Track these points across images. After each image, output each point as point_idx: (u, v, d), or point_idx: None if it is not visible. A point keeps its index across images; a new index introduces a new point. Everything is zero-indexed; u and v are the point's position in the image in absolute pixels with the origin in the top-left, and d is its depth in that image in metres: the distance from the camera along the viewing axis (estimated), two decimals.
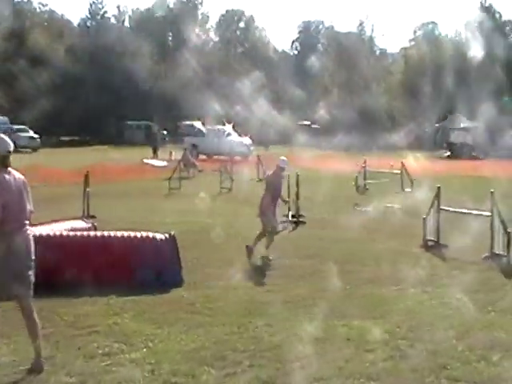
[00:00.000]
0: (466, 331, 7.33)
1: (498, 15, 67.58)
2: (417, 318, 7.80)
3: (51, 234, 9.49)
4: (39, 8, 75.69)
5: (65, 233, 9.81)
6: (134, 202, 19.14)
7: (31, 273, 6.19)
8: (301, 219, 14.98)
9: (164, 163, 34.60)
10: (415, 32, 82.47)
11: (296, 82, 67.64)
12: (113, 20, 78.89)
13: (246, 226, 14.68)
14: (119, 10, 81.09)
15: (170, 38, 75.76)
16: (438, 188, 12.08)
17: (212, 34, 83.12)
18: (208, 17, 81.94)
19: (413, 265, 10.62)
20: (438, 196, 12.09)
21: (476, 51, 52.10)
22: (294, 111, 51.62)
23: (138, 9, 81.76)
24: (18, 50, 62.52)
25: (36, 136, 51.68)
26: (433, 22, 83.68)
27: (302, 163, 26.07)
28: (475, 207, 12.55)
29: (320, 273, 10.23)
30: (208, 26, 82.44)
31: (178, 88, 61.91)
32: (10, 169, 6.17)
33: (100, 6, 76.73)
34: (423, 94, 59.91)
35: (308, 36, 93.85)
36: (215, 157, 40.01)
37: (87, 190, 16.02)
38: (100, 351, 6.69)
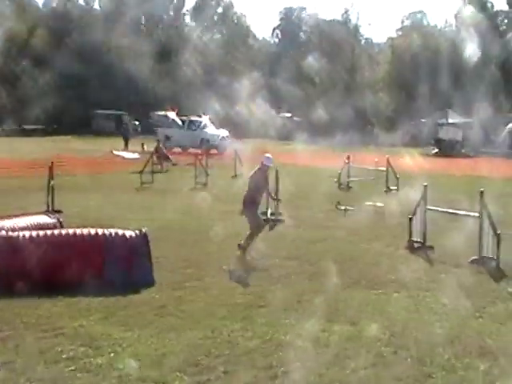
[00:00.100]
0: (453, 338, 7.40)
1: (489, 5, 68.16)
2: (401, 324, 7.85)
3: (12, 229, 9.39)
4: None
5: (27, 229, 9.72)
6: (103, 197, 19.00)
7: None
8: (279, 218, 14.99)
9: (135, 155, 34.47)
10: (403, 21, 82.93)
11: (276, 72, 67.65)
12: (81, 1, 78.14)
13: (222, 223, 14.70)
14: None
15: (143, 22, 75.25)
16: (425, 187, 12.15)
17: (188, 19, 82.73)
18: (184, 0, 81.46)
19: (397, 267, 10.70)
20: (424, 195, 12.16)
21: (467, 42, 52.53)
22: (273, 103, 51.61)
23: None
24: None
25: None
26: (421, 11, 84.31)
27: (281, 158, 26.10)
28: (464, 207, 12.66)
29: (298, 275, 10.26)
30: (184, 10, 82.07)
31: (151, 75, 61.63)
32: None
33: None
34: (411, 87, 60.32)
35: (290, 23, 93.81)
36: (190, 150, 39.90)
37: (51, 182, 15.87)
38: (64, 356, 6.64)
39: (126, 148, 40.97)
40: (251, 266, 10.88)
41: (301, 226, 14.53)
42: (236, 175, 26.32)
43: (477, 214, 11.09)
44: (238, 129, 44.78)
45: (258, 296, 8.97)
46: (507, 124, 44.62)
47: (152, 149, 29.28)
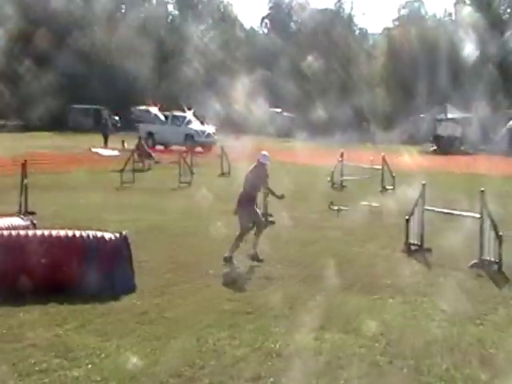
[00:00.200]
0: (452, 347, 7.40)
1: None
2: (397, 331, 7.85)
3: None
4: None
5: None
6: (81, 197, 18.90)
7: None
8: (269, 219, 14.97)
9: (115, 153, 34.37)
10: (399, 11, 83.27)
11: (265, 64, 67.67)
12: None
13: (208, 224, 14.66)
14: None
15: (123, 11, 75.06)
16: (423, 186, 12.17)
17: (170, 8, 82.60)
18: None
19: (393, 271, 10.72)
20: (422, 195, 12.18)
21: (467, 32, 52.72)
22: (263, 97, 51.58)
23: None
24: None
25: None
26: (419, 0, 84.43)
27: (271, 156, 26.08)
28: (463, 207, 12.69)
29: (289, 279, 10.24)
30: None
31: (132, 68, 61.35)
32: None
33: None
34: (408, 81, 60.47)
35: (279, 12, 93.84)
36: (173, 147, 39.83)
37: (25, 181, 15.77)
38: (37, 368, 6.58)
39: (105, 145, 40.86)
40: (239, 269, 10.84)
41: (293, 227, 14.52)
42: (223, 173, 26.34)
43: (477, 215, 11.11)
44: (224, 124, 44.72)
45: (246, 302, 8.94)
46: (508, 121, 44.82)
47: (133, 146, 29.18)
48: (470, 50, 50.68)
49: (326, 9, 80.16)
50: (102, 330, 7.70)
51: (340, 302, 9.06)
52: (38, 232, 9.64)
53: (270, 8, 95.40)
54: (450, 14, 75.38)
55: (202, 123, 42.71)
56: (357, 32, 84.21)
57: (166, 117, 43.84)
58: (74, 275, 9.02)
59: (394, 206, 15.56)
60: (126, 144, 36.86)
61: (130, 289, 9.25)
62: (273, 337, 7.56)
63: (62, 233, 9.39)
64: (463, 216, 12.21)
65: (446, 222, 13.26)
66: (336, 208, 16.62)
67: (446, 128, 47.03)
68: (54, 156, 30.64)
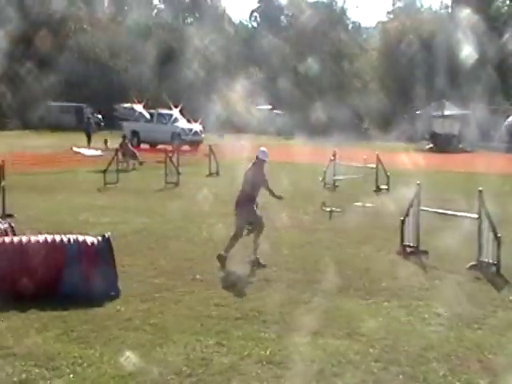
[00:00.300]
0: (449, 352, 7.42)
1: None
2: (392, 337, 7.87)
3: None
4: None
5: None
6: (62, 199, 18.89)
7: None
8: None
9: (98, 152, 34.29)
10: (394, 3, 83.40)
11: (255, 60, 67.70)
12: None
13: (195, 226, 14.68)
14: None
15: (106, 5, 74.92)
16: (418, 185, 12.20)
17: (156, 1, 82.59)
18: None
19: (388, 274, 10.75)
20: (417, 194, 12.21)
21: (463, 27, 52.89)
22: (252, 93, 51.66)
23: None
24: None
25: None
26: None
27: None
28: (461, 208, 12.73)
29: (280, 283, 10.25)
30: None
31: (115, 64, 61.24)
32: None
33: None
34: (403, 76, 60.64)
35: (269, 5, 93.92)
36: (159, 146, 39.77)
37: (2, 183, 15.73)
38: (15, 378, 6.56)
39: (89, 144, 40.79)
40: (228, 273, 10.84)
41: (283, 228, 14.53)
42: (211, 174, 26.34)
43: (475, 215, 11.15)
44: (214, 122, 44.73)
45: (234, 307, 8.95)
46: (507, 117, 45.02)
47: (116, 145, 29.11)
48: (466, 44, 50.83)
49: (318, 1, 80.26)
50: (84, 338, 7.69)
51: (333, 306, 9.07)
52: (17, 238, 9.61)
53: (260, 1, 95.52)
54: (447, 7, 75.60)
55: (189, 121, 42.66)
56: (350, 26, 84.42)
57: (152, 115, 43.76)
58: (55, 281, 9.00)
59: (389, 207, 15.60)
60: (108, 143, 36.80)
61: (114, 294, 9.24)
62: (263, 343, 7.57)
63: (42, 237, 9.37)
64: (460, 216, 12.25)
65: (442, 223, 13.31)
66: (328, 209, 16.63)
67: (442, 125, 47.12)
68: (33, 156, 30.53)
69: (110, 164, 23.42)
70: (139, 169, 28.67)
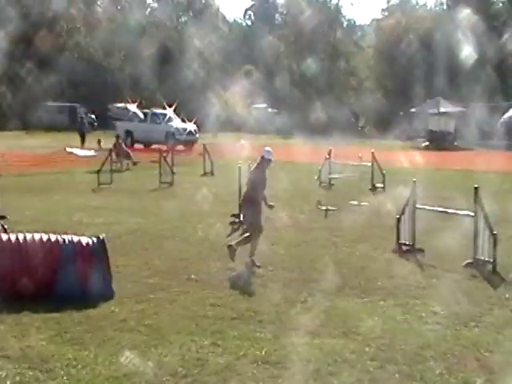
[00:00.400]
0: (446, 350, 7.43)
1: None
2: (388, 336, 7.88)
3: None
4: None
5: None
6: (56, 200, 18.86)
7: None
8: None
9: (91, 153, 34.27)
10: (389, 1, 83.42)
11: (250, 58, 67.68)
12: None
13: (190, 226, 14.68)
14: None
15: (100, 4, 74.87)
16: (414, 183, 12.22)
17: (150, 0, 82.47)
18: None
19: (384, 273, 10.77)
20: (413, 192, 12.23)
21: (459, 23, 52.93)
22: (247, 92, 51.69)
23: None
24: None
25: None
26: None
27: (256, 153, 26.16)
28: (457, 205, 12.75)
29: (276, 282, 10.24)
30: None
31: (109, 64, 61.12)
32: None
33: None
34: (398, 73, 60.70)
35: (263, 4, 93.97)
36: (153, 146, 39.76)
37: None
38: (9, 381, 6.54)
39: (83, 144, 40.77)
40: (223, 273, 10.84)
41: (279, 228, 14.55)
42: (205, 173, 26.33)
43: (471, 213, 11.17)
44: (209, 121, 44.71)
45: (230, 307, 8.94)
46: (502, 114, 45.07)
47: (110, 145, 29.09)
48: (463, 42, 50.89)
49: None
50: (78, 339, 7.67)
51: (329, 305, 9.07)
52: (11, 236, 9.58)
53: None
54: (442, 4, 75.73)
55: (184, 120, 42.66)
56: (345, 23, 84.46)
57: (146, 114, 43.76)
58: (49, 282, 8.99)
59: (385, 205, 15.62)
60: (102, 143, 36.80)
61: (108, 295, 9.22)
62: (258, 343, 7.57)
63: (37, 237, 9.34)
64: (456, 214, 12.27)
65: (438, 221, 13.33)
66: (324, 208, 16.64)
67: (438, 123, 47.21)
68: (27, 156, 30.48)
69: (103, 164, 23.38)
70: (133, 169, 28.65)
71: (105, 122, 50.77)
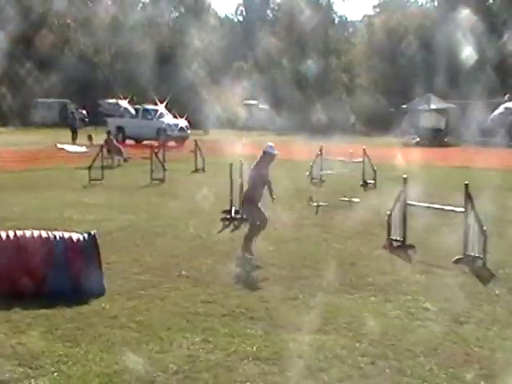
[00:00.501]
0: (436, 346, 7.47)
1: None
2: (378, 332, 7.89)
3: None
4: None
5: None
6: (47, 196, 18.82)
7: None
8: (245, 216, 14.98)
9: (82, 149, 34.19)
10: None
11: (240, 54, 67.57)
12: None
13: (181, 223, 14.67)
14: None
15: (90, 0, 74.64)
16: (405, 179, 12.24)
17: None
18: None
19: (374, 269, 10.79)
20: (404, 189, 12.25)
21: (451, 20, 53.00)
22: (238, 88, 51.62)
23: None
24: None
25: None
26: None
27: (247, 149, 26.13)
28: (448, 202, 12.78)
29: (266, 279, 10.27)
30: None
31: (99, 60, 60.88)
32: None
33: None
34: (389, 70, 60.74)
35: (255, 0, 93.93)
36: (145, 142, 39.72)
37: None
38: None
39: (75, 140, 40.70)
40: (214, 269, 10.84)
41: (270, 224, 14.54)
42: (197, 170, 26.32)
43: (461, 209, 11.21)
44: (200, 117, 44.64)
45: (220, 304, 8.95)
46: (493, 111, 45.14)
47: (101, 141, 29.04)
48: (455, 38, 50.95)
49: None
50: (69, 336, 7.66)
51: (320, 301, 9.08)
52: (2, 233, 9.55)
53: None
54: (433, 0, 75.84)
55: (175, 116, 42.63)
56: (336, 20, 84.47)
57: (137, 110, 43.70)
58: (40, 278, 8.96)
59: (376, 201, 15.64)
60: (93, 139, 36.73)
61: (100, 292, 9.20)
62: (249, 339, 7.58)
63: (27, 233, 9.32)
64: (447, 210, 12.30)
65: (429, 217, 13.36)
66: (315, 204, 16.66)
67: (429, 119, 47.28)
68: (17, 153, 30.38)
69: (94, 160, 23.32)
70: (124, 165, 28.61)
71: (96, 117, 50.65)
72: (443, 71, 52.41)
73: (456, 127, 44.95)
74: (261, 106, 59.17)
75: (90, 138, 37.78)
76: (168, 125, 41.34)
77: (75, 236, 9.42)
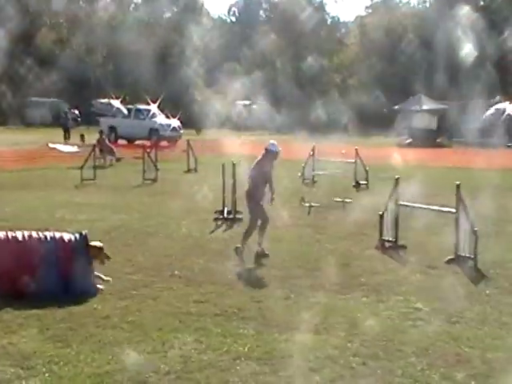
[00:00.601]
0: (427, 346, 7.47)
1: None
2: (370, 332, 7.90)
3: None
4: None
5: None
6: (38, 196, 18.77)
7: None
8: (237, 216, 14.99)
9: (74, 148, 34.13)
10: None
11: (233, 55, 67.53)
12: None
13: (173, 223, 14.65)
14: None
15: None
16: (397, 180, 12.25)
17: None
18: None
19: (366, 269, 10.80)
20: (396, 189, 12.26)
21: (443, 20, 53.08)
22: (231, 88, 51.51)
23: None
24: None
25: None
26: None
27: (239, 149, 26.11)
28: (440, 202, 12.80)
29: (258, 279, 10.28)
30: None
31: (91, 60, 60.72)
32: None
33: None
34: (381, 70, 60.81)
35: (248, 0, 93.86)
36: (137, 142, 39.66)
37: None
38: None
39: (67, 140, 40.61)
40: (206, 269, 10.83)
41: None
42: (189, 170, 26.30)
43: (453, 210, 11.22)
44: (193, 117, 44.59)
45: (213, 303, 8.94)
46: (485, 112, 45.21)
47: (94, 141, 28.99)
48: (446, 33, 50.98)
49: None
50: (60, 336, 7.64)
51: (312, 301, 9.09)
52: None
53: None
54: (425, 1, 76.00)
55: (168, 116, 42.59)
56: (329, 20, 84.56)
57: (129, 110, 43.65)
58: (31, 279, 8.94)
59: (368, 202, 15.62)
60: (85, 138, 36.67)
61: (91, 292, 9.19)
62: (241, 339, 7.57)
63: (18, 234, 9.29)
64: (438, 211, 12.32)
65: (421, 218, 13.37)
66: (307, 204, 16.67)
67: (421, 120, 47.33)
68: (9, 152, 30.29)
69: (86, 160, 23.29)
70: (117, 165, 28.56)
71: (88, 117, 50.54)
72: (441, 70, 52.46)
73: (449, 128, 45.00)
74: (254, 107, 59.11)
75: (82, 137, 37.71)
76: (160, 125, 41.31)
77: (66, 236, 9.41)
